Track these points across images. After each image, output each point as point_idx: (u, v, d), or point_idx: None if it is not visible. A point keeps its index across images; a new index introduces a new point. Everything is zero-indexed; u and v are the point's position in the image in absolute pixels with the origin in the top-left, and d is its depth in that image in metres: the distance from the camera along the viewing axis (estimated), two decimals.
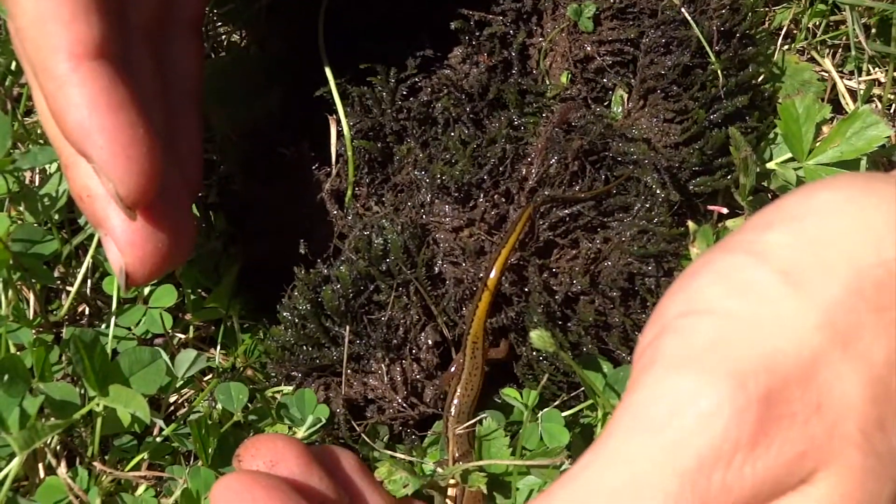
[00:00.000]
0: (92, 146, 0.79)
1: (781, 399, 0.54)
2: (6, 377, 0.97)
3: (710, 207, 1.08)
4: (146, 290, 1.11)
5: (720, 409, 0.54)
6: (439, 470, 0.96)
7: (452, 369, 1.00)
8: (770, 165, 1.10)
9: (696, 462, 0.53)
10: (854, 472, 0.55)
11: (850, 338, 0.56)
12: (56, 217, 1.11)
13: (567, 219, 1.03)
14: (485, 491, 0.93)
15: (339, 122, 1.05)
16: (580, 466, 0.57)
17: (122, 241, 0.85)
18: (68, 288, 1.11)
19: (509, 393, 1.02)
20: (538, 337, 0.91)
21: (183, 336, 1.12)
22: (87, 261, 1.09)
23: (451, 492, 0.96)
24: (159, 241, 0.86)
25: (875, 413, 0.56)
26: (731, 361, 0.55)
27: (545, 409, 1.00)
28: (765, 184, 1.10)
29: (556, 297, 1.01)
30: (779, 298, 0.57)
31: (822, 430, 0.55)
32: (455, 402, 0.98)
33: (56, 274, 1.12)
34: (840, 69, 1.21)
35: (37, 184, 1.15)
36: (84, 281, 1.10)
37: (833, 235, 0.59)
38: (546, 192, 1.02)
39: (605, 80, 1.09)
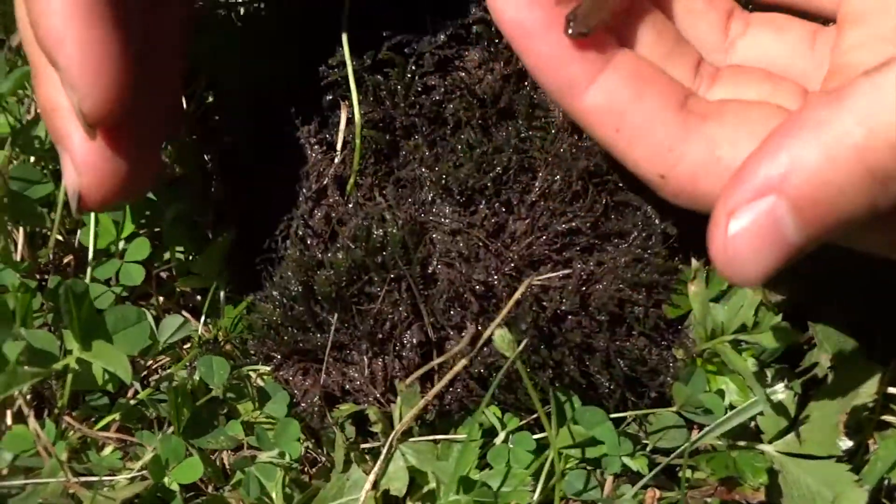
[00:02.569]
0: (62, 55, 0.78)
1: None
2: None
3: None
4: (121, 245, 1.10)
5: None
6: None
7: None
8: None
9: None
10: None
11: None
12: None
13: (565, 235, 1.03)
14: None
15: (350, 108, 1.05)
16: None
17: (80, 159, 0.84)
18: (58, 236, 1.10)
19: (493, 412, 1.02)
20: (500, 338, 0.92)
21: (162, 300, 1.12)
22: (58, 210, 1.08)
23: None
24: (118, 167, 0.85)
25: None
26: None
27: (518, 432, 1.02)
28: None
29: (546, 311, 1.01)
30: None
31: None
32: None
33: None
34: None
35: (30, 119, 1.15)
36: (72, 230, 1.10)
37: None
38: None
39: None
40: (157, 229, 1.13)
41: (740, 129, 0.81)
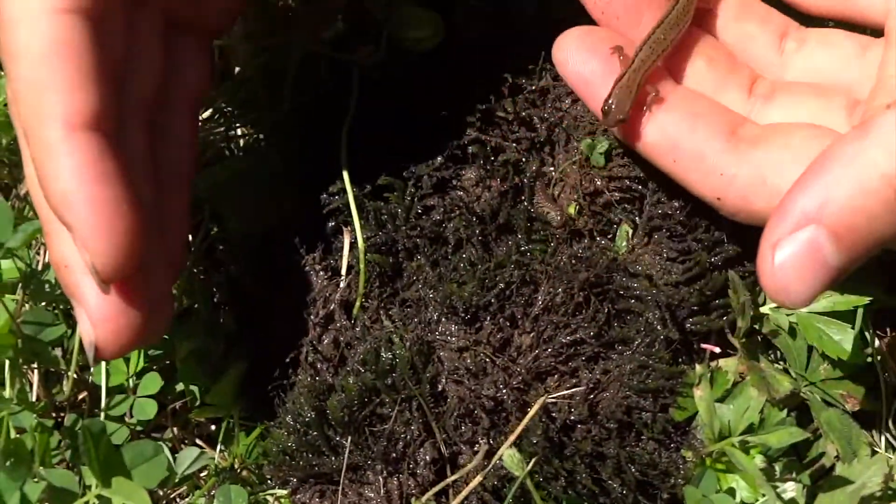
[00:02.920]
0: (73, 216, 0.79)
1: None
2: (9, 461, 0.97)
3: (704, 346, 1.10)
4: (131, 382, 1.12)
5: None
6: None
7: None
8: (763, 310, 1.13)
9: None
10: None
11: None
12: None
13: (570, 346, 1.05)
14: None
15: (353, 233, 1.08)
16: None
17: (95, 314, 0.85)
18: (69, 374, 1.12)
19: None
20: (510, 458, 0.93)
21: (177, 431, 1.14)
22: (75, 351, 1.09)
23: None
24: (132, 318, 0.86)
25: None
26: None
27: None
28: (756, 326, 1.13)
29: (556, 423, 1.03)
30: None
31: None
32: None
33: None
34: None
35: (40, 268, 1.16)
36: (84, 368, 1.11)
37: None
38: None
39: (611, 215, 1.12)
40: (168, 361, 1.14)
41: (785, 154, 0.91)
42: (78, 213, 0.79)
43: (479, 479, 0.98)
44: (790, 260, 0.82)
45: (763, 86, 1.01)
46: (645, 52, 0.97)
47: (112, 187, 0.80)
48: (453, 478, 1.01)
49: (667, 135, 0.97)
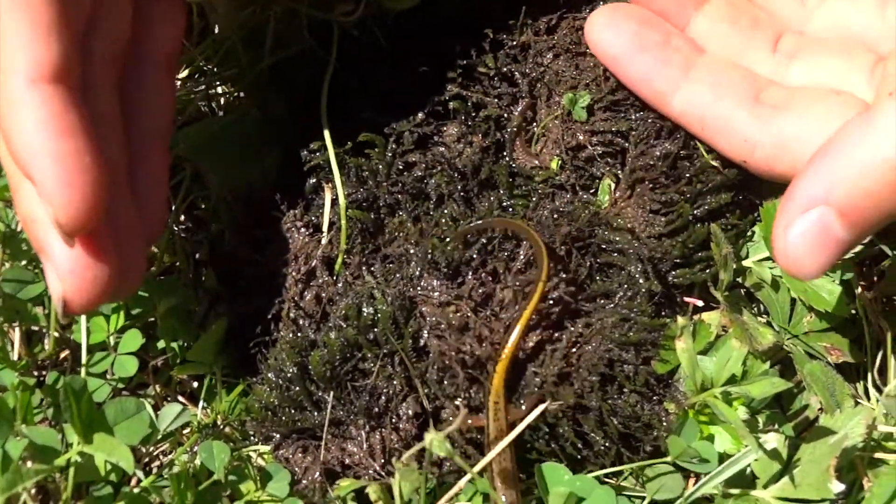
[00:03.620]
0: (36, 169, 0.79)
1: None
2: None
3: (687, 299, 1.10)
4: (112, 339, 1.12)
5: None
6: None
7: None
8: (746, 263, 1.13)
9: None
10: None
11: None
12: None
13: (551, 302, 1.05)
14: None
15: (334, 190, 1.08)
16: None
17: (62, 268, 0.85)
18: (50, 333, 1.12)
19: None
20: (434, 440, 0.93)
21: (159, 388, 1.14)
22: (52, 309, 1.09)
23: None
24: (100, 272, 0.85)
25: None
26: None
27: None
28: (738, 279, 1.13)
29: (537, 378, 1.03)
30: None
31: None
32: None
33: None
34: None
35: (19, 228, 1.16)
36: (65, 326, 1.11)
37: None
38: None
39: (594, 169, 1.12)
40: (150, 319, 1.14)
41: (805, 123, 0.96)
42: (40, 167, 0.79)
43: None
44: (801, 237, 0.88)
45: (788, 42, 1.05)
46: None
47: (75, 141, 0.80)
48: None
49: (693, 103, 1.03)
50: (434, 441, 0.89)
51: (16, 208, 0.87)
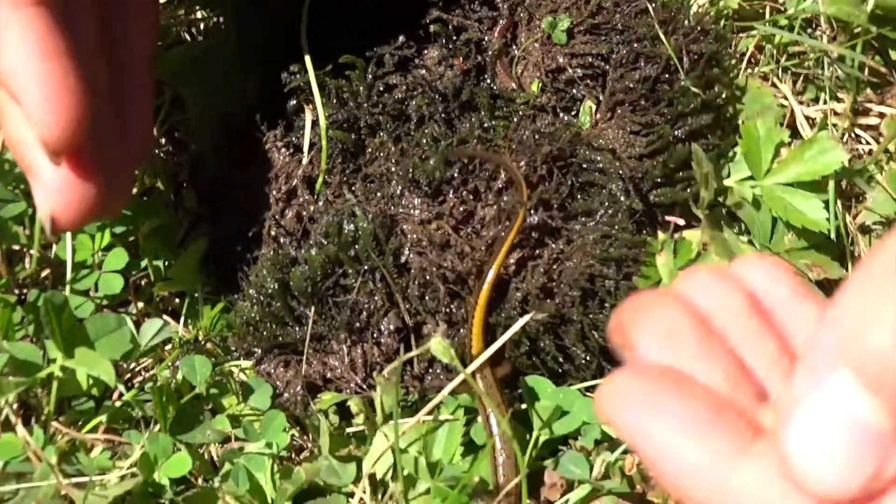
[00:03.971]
0: (21, 90, 0.80)
1: None
2: None
3: (669, 218, 1.11)
4: (97, 257, 1.12)
5: None
6: None
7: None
8: (727, 182, 1.13)
9: None
10: None
11: None
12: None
13: (533, 222, 1.05)
14: None
15: (315, 111, 1.08)
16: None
17: (49, 186, 0.86)
18: (32, 251, 1.12)
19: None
20: (437, 344, 0.93)
21: (143, 304, 1.14)
22: (38, 225, 1.09)
23: None
24: (87, 190, 0.86)
25: None
26: None
27: None
28: (720, 199, 1.14)
29: (518, 293, 1.03)
30: None
31: None
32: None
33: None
34: (799, 96, 1.25)
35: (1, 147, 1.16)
36: (48, 245, 1.11)
37: None
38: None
39: (574, 91, 1.13)
40: (132, 238, 1.14)
41: None
42: (26, 88, 0.80)
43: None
44: None
45: None
46: None
47: (59, 62, 0.80)
48: (417, 352, 1.02)
49: None
50: (437, 345, 0.90)
51: (3, 130, 0.88)
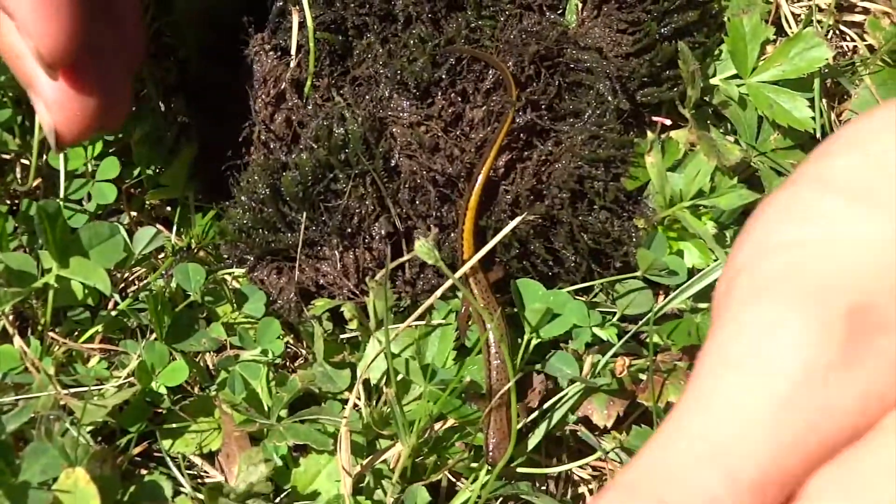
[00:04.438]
0: (14, 3, 0.80)
1: (870, 310, 0.51)
2: None
3: (655, 118, 1.11)
4: (92, 165, 1.12)
5: (804, 330, 0.51)
6: None
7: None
8: (714, 81, 1.13)
9: (789, 387, 0.50)
10: None
11: None
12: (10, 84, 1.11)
13: (521, 123, 1.06)
14: None
15: (301, 12, 1.07)
16: (673, 418, 0.54)
17: (50, 99, 0.87)
18: (22, 160, 1.12)
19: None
20: (420, 247, 0.94)
21: (136, 214, 1.14)
22: (37, 133, 1.09)
23: None
24: (87, 102, 0.88)
25: None
26: (809, 284, 0.52)
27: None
28: (706, 98, 1.14)
29: (508, 196, 1.04)
30: (851, 219, 0.53)
31: None
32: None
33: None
34: None
35: None
36: (39, 154, 1.11)
37: None
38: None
39: None
40: (123, 146, 1.14)
41: None
42: (17, 1, 0.80)
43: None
44: None
45: None
46: None
47: None
48: (407, 258, 1.03)
49: None
50: (421, 247, 0.91)
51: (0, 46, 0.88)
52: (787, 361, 0.50)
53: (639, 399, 1.05)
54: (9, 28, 0.84)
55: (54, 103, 0.87)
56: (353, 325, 1.02)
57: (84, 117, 0.88)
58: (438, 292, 0.98)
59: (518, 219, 0.98)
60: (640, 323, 1.04)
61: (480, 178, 1.01)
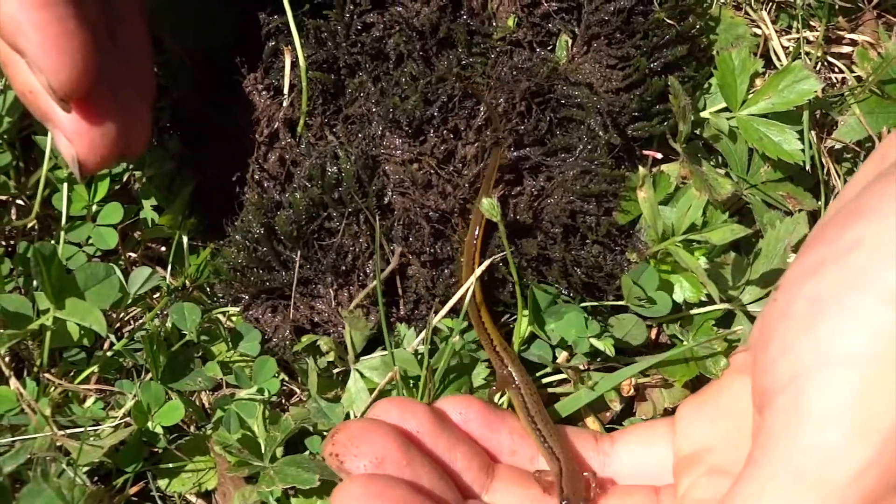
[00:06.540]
0: (24, 40, 0.81)
1: None
2: None
3: (646, 152, 1.11)
4: (94, 209, 1.12)
5: (870, 464, 0.57)
6: None
7: None
8: (704, 114, 1.14)
9: None
10: None
11: None
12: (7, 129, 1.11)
13: (513, 158, 1.06)
14: None
15: (294, 52, 1.08)
16: None
17: (69, 130, 0.89)
18: (18, 202, 1.12)
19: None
20: (488, 204, 0.95)
21: (133, 255, 1.14)
22: (42, 174, 1.09)
23: None
24: (107, 129, 0.89)
25: None
26: (878, 418, 0.58)
27: None
28: (697, 131, 1.15)
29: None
30: None
31: None
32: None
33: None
34: (773, 25, 1.25)
35: None
36: (32, 195, 1.11)
37: None
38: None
39: (550, 26, 1.13)
40: (117, 188, 1.14)
41: None
42: (27, 37, 0.81)
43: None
44: None
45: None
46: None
47: (56, 8, 0.81)
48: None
49: None
50: (485, 202, 0.93)
51: (12, 84, 0.89)
52: (851, 491, 0.59)
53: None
54: (19, 64, 0.85)
55: (74, 133, 0.89)
56: (331, 356, 1.03)
57: (105, 144, 0.90)
58: (423, 333, 0.99)
59: (494, 257, 0.99)
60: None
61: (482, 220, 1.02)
